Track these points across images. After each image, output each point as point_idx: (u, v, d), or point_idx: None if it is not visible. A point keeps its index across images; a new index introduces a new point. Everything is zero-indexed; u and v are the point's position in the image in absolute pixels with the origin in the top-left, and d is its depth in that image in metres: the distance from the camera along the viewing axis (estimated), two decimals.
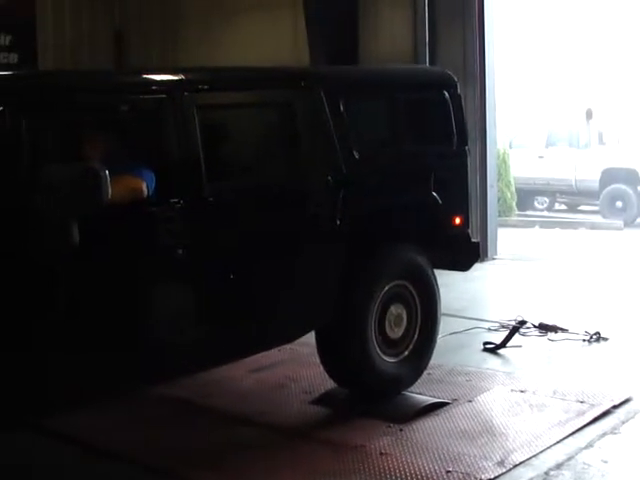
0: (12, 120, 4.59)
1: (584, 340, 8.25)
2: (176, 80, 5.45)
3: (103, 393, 5.30)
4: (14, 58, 13.72)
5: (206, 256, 5.42)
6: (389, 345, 6.58)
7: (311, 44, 12.43)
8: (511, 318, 8.72)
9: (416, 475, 5.38)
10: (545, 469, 5.45)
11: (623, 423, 6.19)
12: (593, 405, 6.47)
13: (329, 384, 6.70)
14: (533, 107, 20.88)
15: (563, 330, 8.52)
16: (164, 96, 5.30)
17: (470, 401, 6.66)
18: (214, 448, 5.85)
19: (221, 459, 5.66)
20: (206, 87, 5.61)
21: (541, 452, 5.71)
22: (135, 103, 5.30)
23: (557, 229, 17.43)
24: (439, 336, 7.05)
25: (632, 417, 6.30)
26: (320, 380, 6.85)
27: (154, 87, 5.39)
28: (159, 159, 5.29)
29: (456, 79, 7.33)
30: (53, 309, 4.70)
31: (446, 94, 7.07)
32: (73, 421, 5.86)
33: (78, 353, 4.84)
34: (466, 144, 7.26)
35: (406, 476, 5.38)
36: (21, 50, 13.80)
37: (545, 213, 20.37)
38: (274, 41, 13.27)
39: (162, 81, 5.44)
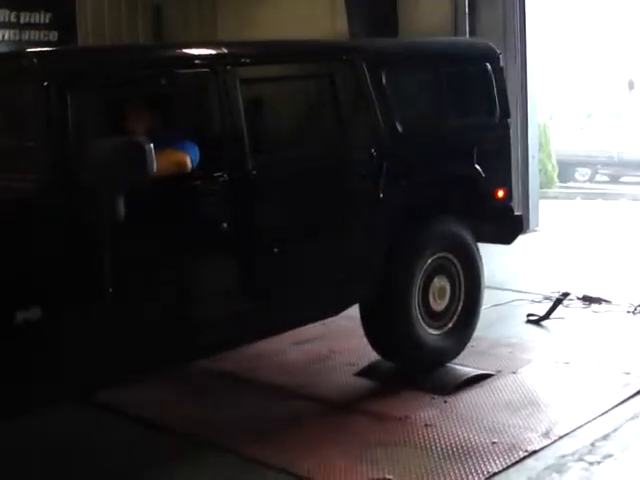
0: (57, 95, 4.61)
1: (628, 312, 8.21)
2: (219, 54, 5.45)
3: (152, 368, 5.35)
4: (54, 35, 13.75)
5: (250, 230, 5.43)
6: (433, 317, 6.59)
7: (349, 16, 12.37)
8: (554, 290, 8.69)
9: (461, 446, 5.40)
10: (591, 440, 5.44)
11: None
12: (638, 376, 6.44)
13: (373, 356, 6.71)
14: (574, 78, 20.69)
15: (607, 302, 8.49)
16: (207, 70, 5.30)
17: (514, 373, 6.65)
18: (260, 421, 5.89)
19: (267, 432, 5.69)
20: (249, 61, 5.63)
21: (586, 423, 5.70)
22: (178, 77, 5.32)
23: (599, 200, 17.30)
24: (482, 308, 7.05)
25: None
26: (364, 352, 6.85)
27: (197, 61, 5.39)
28: (203, 133, 5.30)
29: (498, 51, 7.29)
30: (101, 284, 4.73)
31: (488, 66, 7.04)
32: (123, 395, 5.92)
33: (127, 328, 4.87)
34: (508, 116, 7.23)
35: (451, 447, 5.39)
36: (61, 27, 13.82)
37: (587, 185, 20.22)
38: (311, 14, 13.18)
39: (205, 55, 5.44)
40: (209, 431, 5.75)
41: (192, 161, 5.08)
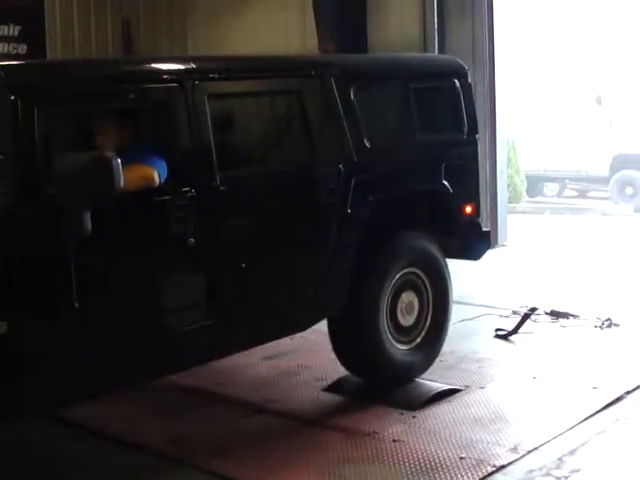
0: (24, 109, 4.58)
1: (596, 326, 8.25)
2: (187, 69, 5.44)
3: (118, 384, 5.32)
4: (23, 49, 13.74)
5: (217, 245, 5.42)
6: (401, 332, 6.59)
7: (319, 32, 12.41)
8: (522, 305, 8.73)
9: (429, 462, 5.40)
10: (559, 455, 5.46)
11: (636, 409, 6.19)
12: (606, 391, 6.47)
13: (341, 371, 6.71)
14: (543, 93, 20.81)
15: (574, 316, 8.53)
16: (175, 85, 5.29)
17: (482, 388, 6.67)
18: (228, 437, 5.87)
19: (236, 448, 5.68)
20: (217, 76, 5.61)
21: (554, 438, 5.72)
22: (146, 92, 5.30)
23: (567, 215, 17.40)
24: (451, 323, 7.06)
25: None
26: (332, 367, 6.85)
27: (165, 76, 5.38)
28: (171, 148, 5.28)
29: (467, 67, 7.33)
30: (67, 300, 4.70)
31: (457, 82, 7.07)
32: (88, 411, 5.88)
33: (93, 344, 4.84)
34: (476, 132, 7.26)
35: (420, 463, 5.39)
36: (30, 40, 13.80)
37: (555, 199, 20.34)
38: (282, 29, 13.24)
39: (173, 70, 5.43)
40: (176, 447, 5.72)
41: (160, 176, 5.06)
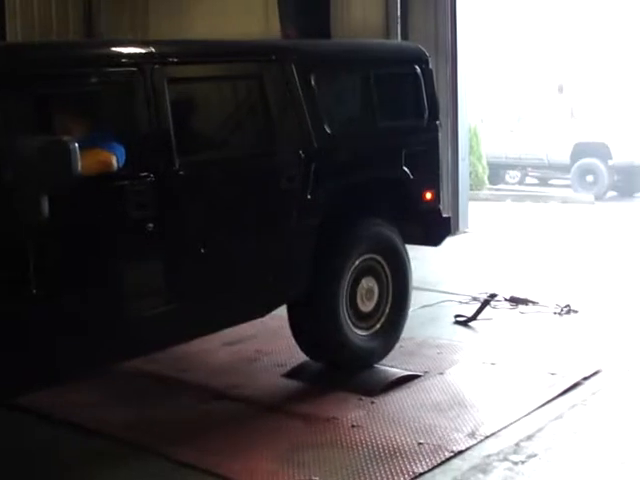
0: None
1: (554, 313, 8.32)
2: (146, 53, 5.39)
3: (78, 371, 5.29)
4: None
5: (177, 230, 5.40)
6: (361, 318, 6.61)
7: (282, 18, 12.37)
8: (482, 291, 8.78)
9: (388, 447, 5.42)
10: (516, 440, 5.50)
11: (592, 395, 6.25)
12: (563, 377, 6.53)
13: (301, 357, 6.72)
14: (505, 81, 20.89)
15: (534, 303, 8.59)
16: (134, 69, 5.25)
17: (441, 373, 6.70)
18: (189, 423, 5.87)
19: (195, 434, 5.67)
20: (176, 60, 5.57)
21: (511, 424, 5.76)
22: (105, 75, 5.24)
23: (528, 203, 17.50)
24: (410, 309, 7.08)
25: (601, 389, 6.36)
26: (292, 353, 6.87)
27: (125, 60, 5.32)
28: (129, 132, 5.24)
29: (428, 54, 7.34)
30: (24, 285, 4.66)
31: (418, 69, 7.07)
32: (48, 397, 5.84)
33: (51, 330, 4.81)
34: (437, 119, 7.27)
35: (378, 448, 5.41)
36: None
37: (517, 187, 20.45)
38: (244, 13, 13.20)
39: (133, 54, 5.38)
40: (138, 434, 5.71)
41: (118, 160, 5.02)
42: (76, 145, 4.54)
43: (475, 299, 8.66)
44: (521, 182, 20.90)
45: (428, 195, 7.10)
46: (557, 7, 21.99)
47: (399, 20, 12.16)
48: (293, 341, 6.61)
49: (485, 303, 8.33)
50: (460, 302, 8.73)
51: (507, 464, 5.19)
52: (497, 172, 20.33)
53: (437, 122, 7.26)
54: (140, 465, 5.32)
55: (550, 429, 5.67)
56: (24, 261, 4.64)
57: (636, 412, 5.97)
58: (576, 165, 19.23)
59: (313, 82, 6.23)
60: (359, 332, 6.57)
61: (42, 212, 4.55)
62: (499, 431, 5.65)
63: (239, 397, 6.31)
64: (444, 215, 7.46)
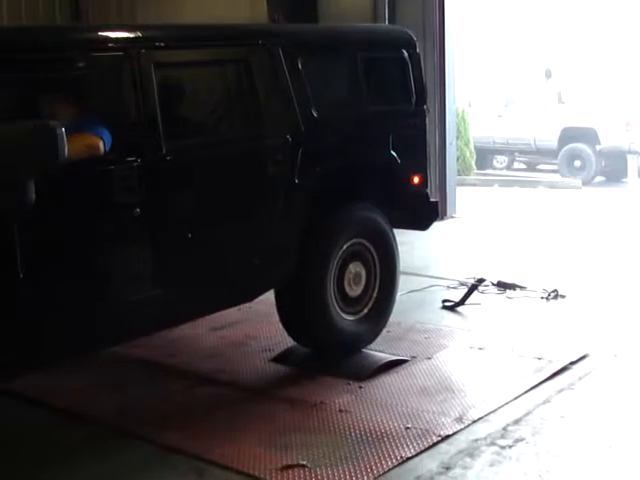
0: None
1: (542, 298, 8.33)
2: (133, 37, 5.37)
3: (65, 355, 5.28)
4: None
5: (163, 215, 5.38)
6: (348, 303, 6.60)
7: (269, 2, 12.34)
8: (470, 276, 8.79)
9: (375, 432, 5.42)
10: (503, 425, 5.51)
11: (580, 379, 6.26)
12: (550, 361, 6.54)
13: (289, 342, 6.72)
14: (493, 66, 20.89)
15: (521, 288, 8.61)
16: (121, 53, 5.22)
17: (429, 358, 6.71)
18: (178, 408, 5.86)
19: (182, 418, 5.67)
20: (163, 44, 5.54)
21: (499, 408, 5.77)
22: (92, 60, 5.21)
23: (516, 188, 17.51)
24: (398, 294, 7.09)
25: (589, 373, 6.37)
26: (280, 338, 6.88)
27: (111, 44, 5.30)
28: (116, 117, 5.22)
29: (415, 38, 7.32)
30: (11, 270, 4.65)
31: (405, 53, 7.07)
32: (37, 383, 5.84)
33: (39, 314, 4.81)
34: (425, 103, 7.26)
35: (366, 432, 5.41)
36: None
37: (504, 172, 20.47)
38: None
39: (119, 38, 5.36)
40: (125, 418, 5.71)
41: (104, 145, 5.01)
42: (63, 130, 4.52)
43: (463, 284, 8.67)
44: (509, 167, 20.94)
45: (416, 179, 7.10)
46: None
47: (387, 4, 12.13)
48: (281, 326, 6.61)
49: (473, 288, 8.33)
50: (448, 287, 8.74)
51: (495, 448, 5.20)
52: (485, 157, 20.37)
53: (425, 106, 7.25)
54: (128, 450, 5.30)
55: (538, 413, 5.68)
56: (11, 246, 4.62)
57: (623, 396, 5.98)
58: (564, 150, 19.26)
59: (300, 66, 6.21)
60: (347, 317, 6.57)
61: (29, 197, 4.54)
62: (486, 415, 5.66)
63: (227, 382, 6.31)
64: (432, 199, 7.46)
